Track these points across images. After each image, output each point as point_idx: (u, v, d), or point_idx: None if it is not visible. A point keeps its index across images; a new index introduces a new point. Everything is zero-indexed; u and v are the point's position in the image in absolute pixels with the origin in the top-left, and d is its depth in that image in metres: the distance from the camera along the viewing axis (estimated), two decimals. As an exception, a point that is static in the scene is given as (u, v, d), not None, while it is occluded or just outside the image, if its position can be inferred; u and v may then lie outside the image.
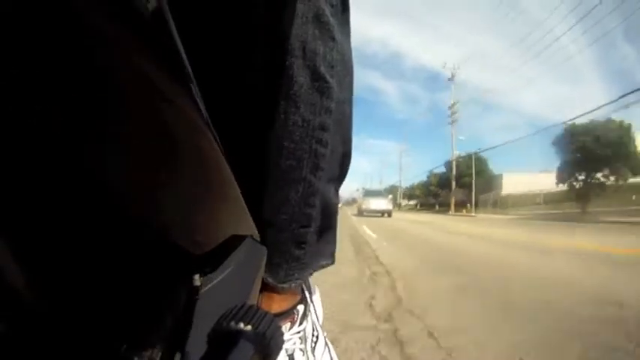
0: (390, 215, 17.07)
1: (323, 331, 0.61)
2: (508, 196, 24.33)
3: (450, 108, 27.92)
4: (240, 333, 0.21)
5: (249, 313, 0.22)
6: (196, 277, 0.27)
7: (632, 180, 14.79)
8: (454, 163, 27.04)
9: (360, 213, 17.81)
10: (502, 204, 23.80)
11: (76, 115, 0.14)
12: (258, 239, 0.45)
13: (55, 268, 0.16)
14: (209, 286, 0.29)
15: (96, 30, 0.12)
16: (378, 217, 15.98)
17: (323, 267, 0.60)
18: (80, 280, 0.17)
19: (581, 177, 15.47)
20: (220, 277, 0.30)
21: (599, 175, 14.99)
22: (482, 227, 8.57)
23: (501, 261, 3.22)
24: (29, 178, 0.14)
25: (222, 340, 0.21)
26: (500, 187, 25.71)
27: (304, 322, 0.53)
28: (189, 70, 0.19)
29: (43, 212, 0.15)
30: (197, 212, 0.25)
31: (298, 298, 0.55)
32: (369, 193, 20.14)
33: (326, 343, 0.59)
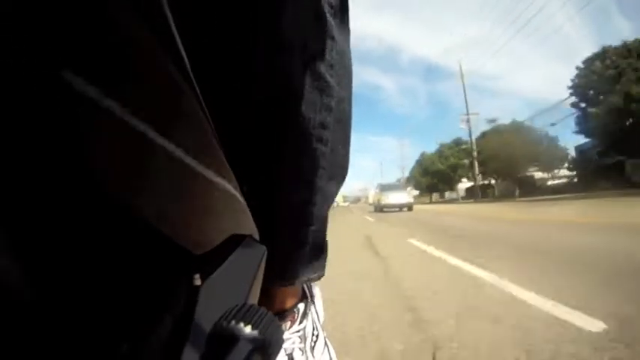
0: (410, 209, 15.07)
1: (323, 331, 0.60)
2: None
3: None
4: (240, 333, 0.21)
5: (250, 312, 0.22)
6: (196, 276, 0.27)
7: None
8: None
9: (379, 209, 15.69)
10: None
11: (74, 110, 0.13)
12: (258, 239, 0.45)
13: (54, 267, 0.16)
14: (208, 285, 0.28)
15: (94, 27, 0.12)
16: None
17: (320, 270, 0.59)
18: (79, 280, 0.17)
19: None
20: (219, 276, 0.30)
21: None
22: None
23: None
24: (26, 174, 0.14)
25: (222, 340, 0.20)
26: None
27: (304, 321, 0.53)
28: (189, 68, 0.19)
29: (41, 209, 0.15)
30: (197, 211, 0.25)
31: (299, 296, 0.55)
32: (386, 187, 17.55)
33: (325, 343, 0.59)
